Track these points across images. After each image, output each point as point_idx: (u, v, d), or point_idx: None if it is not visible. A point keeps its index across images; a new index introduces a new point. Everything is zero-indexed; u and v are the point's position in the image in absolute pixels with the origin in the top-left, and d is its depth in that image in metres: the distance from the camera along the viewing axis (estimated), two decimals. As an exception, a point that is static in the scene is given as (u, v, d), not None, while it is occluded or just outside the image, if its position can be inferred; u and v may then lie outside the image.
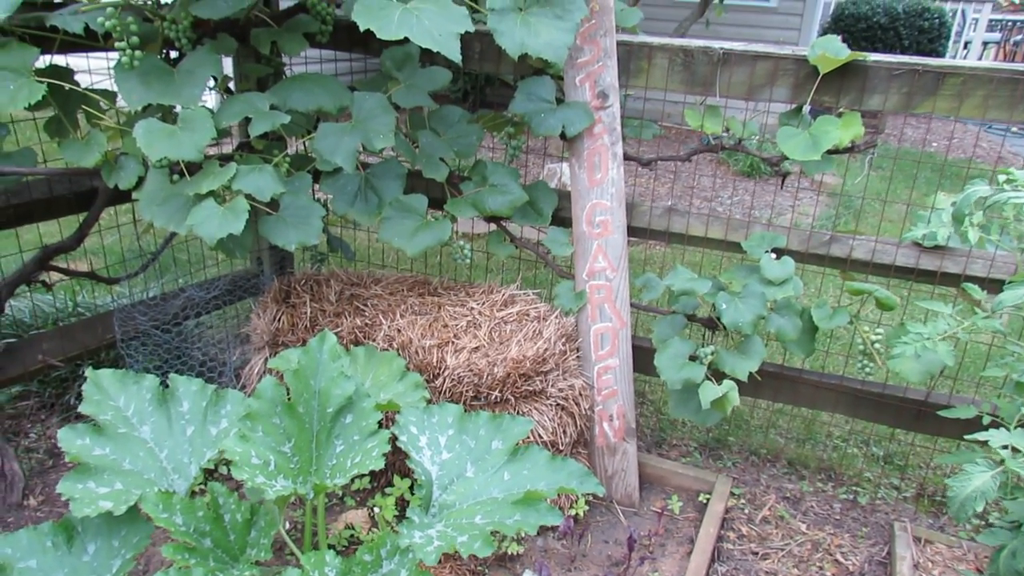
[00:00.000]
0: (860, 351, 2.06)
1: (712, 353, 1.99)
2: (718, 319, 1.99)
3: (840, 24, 8.49)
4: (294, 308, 2.26)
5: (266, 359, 2.24)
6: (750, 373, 1.96)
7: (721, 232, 2.21)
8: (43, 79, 1.76)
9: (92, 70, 2.29)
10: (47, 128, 2.00)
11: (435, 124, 2.27)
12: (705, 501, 2.21)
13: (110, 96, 2.01)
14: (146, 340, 2.28)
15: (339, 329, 2.13)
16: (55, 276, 2.30)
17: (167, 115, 1.91)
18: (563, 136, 2.12)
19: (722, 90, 2.08)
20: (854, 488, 2.37)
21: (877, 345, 2.01)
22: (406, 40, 1.71)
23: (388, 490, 2.06)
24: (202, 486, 1.97)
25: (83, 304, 2.66)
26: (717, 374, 1.97)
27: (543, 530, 2.07)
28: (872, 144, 2.00)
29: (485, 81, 7.77)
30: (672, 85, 2.12)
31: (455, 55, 1.73)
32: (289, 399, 1.43)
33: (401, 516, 2.01)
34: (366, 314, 2.17)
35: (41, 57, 1.81)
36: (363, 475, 2.12)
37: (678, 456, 2.48)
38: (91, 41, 1.93)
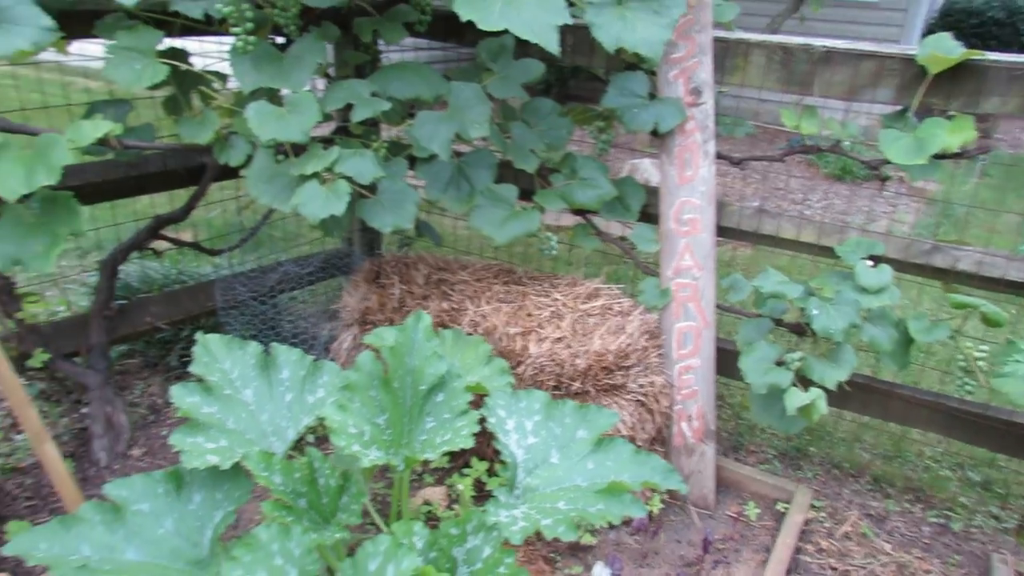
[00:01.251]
0: (960, 368, 1.98)
1: (800, 359, 1.95)
2: (807, 325, 1.95)
3: (948, 20, 8.03)
4: (383, 288, 2.33)
5: (354, 336, 2.33)
6: (839, 383, 1.91)
7: (814, 236, 2.16)
8: (164, 60, 1.88)
9: (203, 53, 2.42)
10: (164, 106, 2.13)
11: (527, 116, 2.30)
12: (783, 510, 2.17)
13: (221, 78, 2.12)
14: (244, 310, 2.40)
15: (426, 311, 2.18)
16: (163, 245, 2.45)
17: (273, 98, 2.01)
18: (654, 132, 2.12)
19: (821, 90, 2.03)
20: (946, 512, 2.28)
21: (980, 363, 1.93)
22: (502, 32, 1.75)
23: (466, 471, 2.11)
24: (290, 453, 2.07)
25: (185, 273, 2.82)
26: (803, 381, 1.93)
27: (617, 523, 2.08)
28: (985, 149, 1.92)
29: (570, 74, 7.76)
30: (768, 83, 2.08)
31: (553, 47, 1.75)
32: (386, 374, 1.49)
33: (477, 498, 2.06)
34: (453, 298, 2.22)
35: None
36: (451, 452, 2.18)
37: (756, 463, 2.45)
38: (206, 25, 2.04)
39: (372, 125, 2.26)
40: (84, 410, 2.50)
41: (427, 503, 2.04)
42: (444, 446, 1.40)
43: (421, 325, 1.56)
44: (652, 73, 2.15)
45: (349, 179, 1.87)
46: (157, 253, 2.41)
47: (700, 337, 2.16)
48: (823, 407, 1.88)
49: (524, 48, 2.25)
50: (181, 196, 2.37)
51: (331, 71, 2.43)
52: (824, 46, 1.99)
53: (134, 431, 2.30)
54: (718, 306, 2.19)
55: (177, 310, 2.44)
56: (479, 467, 2.11)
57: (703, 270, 2.14)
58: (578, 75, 7.73)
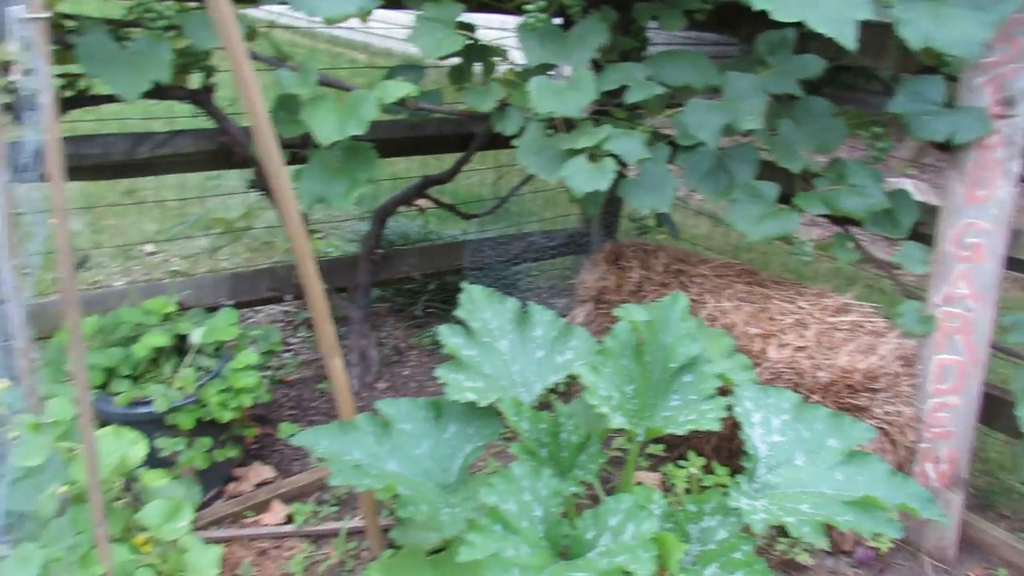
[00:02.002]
0: None
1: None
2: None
3: None
4: (622, 271, 2.37)
5: (587, 312, 2.40)
6: None
7: None
8: (461, 32, 2.04)
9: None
10: (450, 75, 2.31)
11: (797, 114, 2.21)
12: (1037, 583, 1.92)
13: (501, 52, 2.26)
14: (488, 273, 2.56)
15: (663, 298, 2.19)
16: (424, 203, 2.67)
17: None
18: (943, 145, 1.94)
19: None
20: None
21: None
22: (786, 25, 1.69)
23: (681, 462, 2.09)
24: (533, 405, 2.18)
25: (433, 232, 3.06)
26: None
27: (837, 552, 1.96)
28: None
29: (835, 72, 7.28)
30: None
31: (849, 42, 1.68)
32: (639, 346, 1.52)
33: (689, 491, 2.04)
34: (691, 290, 2.21)
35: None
36: (680, 436, 2.18)
37: (1009, 529, 2.17)
38: (497, 2, 2.19)
39: (632, 109, 2.30)
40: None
41: (640, 484, 2.05)
42: (688, 424, 1.40)
43: (678, 305, 1.57)
44: (952, 79, 1.98)
45: (615, 157, 1.93)
46: (421, 210, 2.64)
47: (965, 374, 1.95)
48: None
49: (803, 44, 2.17)
50: (441, 161, 2.58)
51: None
52: None
53: (381, 366, 2.55)
54: (993, 345, 1.97)
55: (429, 264, 2.66)
56: (695, 461, 2.08)
57: (980, 301, 1.93)
58: (840, 76, 7.23)
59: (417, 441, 1.54)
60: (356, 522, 1.93)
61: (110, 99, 1.90)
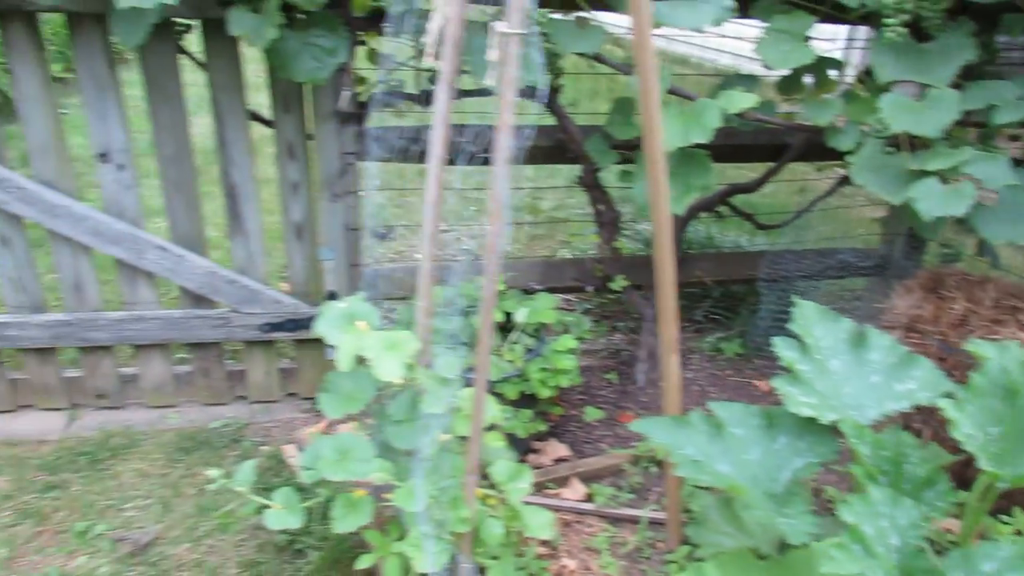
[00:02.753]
0: None
1: None
2: None
3: None
4: (941, 300, 2.21)
5: (895, 339, 2.27)
6: None
7: None
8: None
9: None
10: (780, 86, 2.30)
11: None
12: None
13: (837, 64, 2.20)
14: (783, 285, 2.52)
15: (995, 337, 2.02)
16: (724, 211, 2.68)
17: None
18: None
19: None
20: None
21: None
22: None
23: (1005, 517, 1.92)
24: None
25: (719, 240, 3.06)
26: None
27: None
28: None
29: None
30: None
31: None
32: (1011, 387, 1.43)
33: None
34: (1034, 331, 2.01)
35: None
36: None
37: None
38: (842, 14, 2.13)
39: (975, 126, 2.12)
40: (618, 336, 2.92)
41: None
42: (1069, 482, 1.30)
43: (1060, 350, 1.45)
44: None
45: (974, 181, 1.80)
46: (721, 216, 2.66)
47: None
48: None
49: None
50: (739, 169, 2.57)
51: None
52: None
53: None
54: None
55: (722, 270, 2.67)
56: (1021, 519, 1.90)
57: None
58: None
59: (746, 447, 1.58)
60: (652, 512, 2.01)
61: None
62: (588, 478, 2.14)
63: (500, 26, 1.18)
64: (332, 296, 2.28)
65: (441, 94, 1.35)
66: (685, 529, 1.87)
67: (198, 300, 2.26)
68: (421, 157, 2.09)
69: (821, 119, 2.06)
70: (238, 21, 1.74)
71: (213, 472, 1.63)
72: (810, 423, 1.56)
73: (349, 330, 1.45)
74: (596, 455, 2.24)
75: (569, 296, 3.14)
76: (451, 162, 1.50)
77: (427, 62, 1.30)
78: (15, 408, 2.36)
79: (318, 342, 2.39)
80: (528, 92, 2.08)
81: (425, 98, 2.11)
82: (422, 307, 1.54)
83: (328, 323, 1.51)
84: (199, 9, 1.87)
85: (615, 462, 2.17)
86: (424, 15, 1.88)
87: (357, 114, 2.13)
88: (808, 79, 2.20)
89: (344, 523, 1.56)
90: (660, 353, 1.69)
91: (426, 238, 1.49)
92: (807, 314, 1.74)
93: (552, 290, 2.58)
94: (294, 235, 2.24)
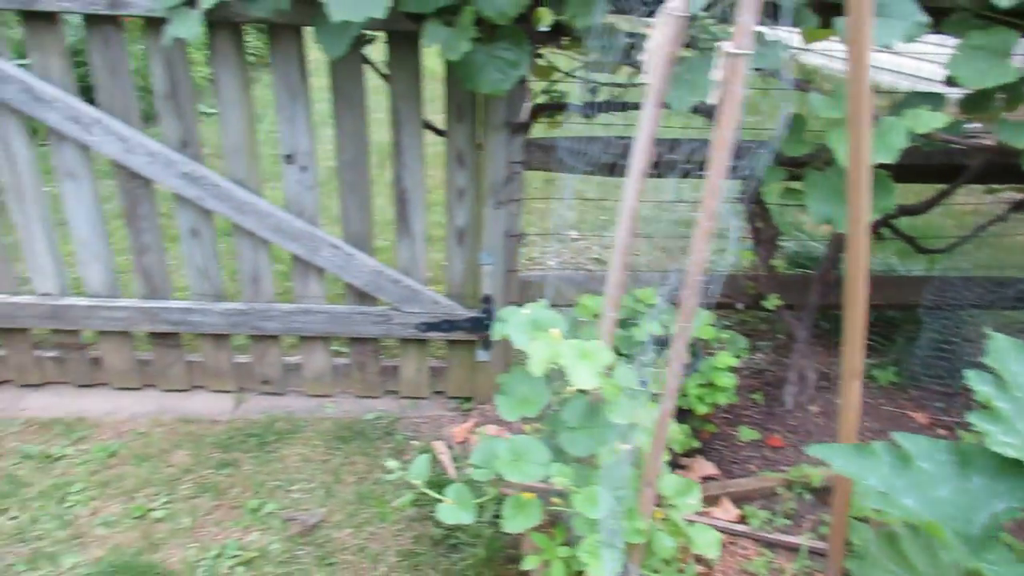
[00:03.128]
0: None
1: None
2: None
3: None
4: None
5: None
6: None
7: None
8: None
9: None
10: (965, 104, 2.17)
11: None
12: None
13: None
14: (947, 313, 2.39)
15: None
16: (885, 232, 2.57)
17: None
18: None
19: None
20: None
21: None
22: None
23: None
24: None
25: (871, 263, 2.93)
26: None
27: None
28: None
29: None
30: None
31: None
32: None
33: None
34: None
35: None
36: None
37: None
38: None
39: None
40: (759, 355, 2.86)
41: None
42: None
43: None
44: None
45: None
46: (882, 238, 2.55)
47: None
48: None
49: None
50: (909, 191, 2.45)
51: None
52: None
53: (815, 389, 2.54)
54: None
55: (879, 295, 2.53)
56: None
57: None
58: None
59: (935, 483, 1.51)
60: (811, 541, 1.95)
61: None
62: (738, 499, 2.10)
63: (727, 46, 1.18)
64: (487, 300, 2.34)
65: (648, 109, 1.37)
66: (846, 561, 1.81)
67: (362, 297, 2.37)
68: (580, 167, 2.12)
69: (1021, 141, 1.95)
70: (433, 34, 1.81)
71: (391, 463, 1.70)
72: (1011, 464, 1.47)
73: (540, 336, 1.48)
74: (744, 476, 2.20)
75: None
76: (658, 175, 1.51)
77: (643, 79, 1.32)
78: (189, 388, 2.55)
79: (469, 343, 2.46)
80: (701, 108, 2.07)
81: (601, 108, 2.15)
82: (609, 317, 1.56)
83: (515, 328, 1.55)
84: (389, 22, 1.97)
85: (767, 485, 2.12)
86: (608, 31, 1.91)
87: (526, 124, 2.18)
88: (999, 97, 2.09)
89: (513, 523, 1.60)
90: (842, 377, 1.64)
91: (618, 249, 1.51)
92: (1002, 347, 1.64)
93: (701, 304, 2.55)
94: (456, 239, 2.32)
